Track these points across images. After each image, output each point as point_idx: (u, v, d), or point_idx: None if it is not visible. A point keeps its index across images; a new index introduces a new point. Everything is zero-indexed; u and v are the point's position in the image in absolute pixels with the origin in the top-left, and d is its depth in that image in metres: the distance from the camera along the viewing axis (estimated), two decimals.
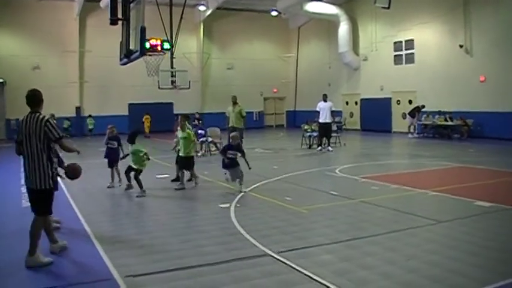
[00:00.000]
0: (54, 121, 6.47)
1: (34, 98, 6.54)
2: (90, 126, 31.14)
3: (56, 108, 30.12)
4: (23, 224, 8.64)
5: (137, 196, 10.73)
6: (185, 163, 11.79)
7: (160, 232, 7.89)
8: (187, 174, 12.10)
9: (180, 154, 11.86)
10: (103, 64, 30.64)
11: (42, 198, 6.46)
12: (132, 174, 11.19)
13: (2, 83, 30.34)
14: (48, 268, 6.19)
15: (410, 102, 27.79)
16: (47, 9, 31.24)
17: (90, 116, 31.53)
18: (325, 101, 20.08)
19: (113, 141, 12.16)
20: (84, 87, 32.62)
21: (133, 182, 11.16)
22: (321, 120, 19.78)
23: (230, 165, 11.06)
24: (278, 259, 6.19)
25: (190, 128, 13.16)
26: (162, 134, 27.91)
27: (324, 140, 19.96)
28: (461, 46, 24.39)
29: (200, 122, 23.28)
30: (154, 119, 31.05)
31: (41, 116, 6.38)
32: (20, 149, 6.53)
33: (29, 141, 6.34)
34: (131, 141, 11.27)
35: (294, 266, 5.90)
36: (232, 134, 11.78)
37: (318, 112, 19.91)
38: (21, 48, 31.07)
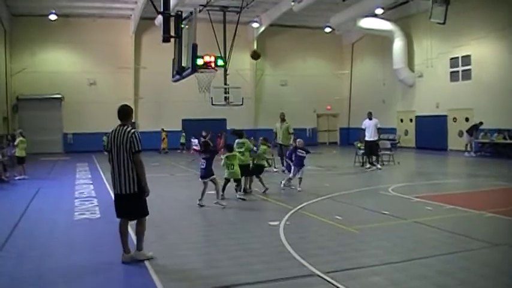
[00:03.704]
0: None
1: (123, 112, 7.25)
2: (182, 140, 31.66)
3: (111, 123, 30.89)
4: (73, 235, 8.87)
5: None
6: (257, 170, 13.78)
7: (208, 248, 7.95)
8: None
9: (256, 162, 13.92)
10: (157, 80, 31.24)
11: (133, 202, 7.05)
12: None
13: (60, 98, 31.38)
14: (92, 284, 6.27)
15: (467, 119, 27.11)
16: (103, 27, 32.30)
17: (182, 129, 32.51)
18: (370, 118, 19.88)
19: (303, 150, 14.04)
20: (139, 103, 33.36)
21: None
22: (366, 138, 19.65)
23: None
24: (326, 279, 6.08)
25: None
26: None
27: (372, 158, 19.70)
28: None
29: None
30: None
31: (128, 129, 7.04)
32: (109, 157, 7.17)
33: (118, 151, 6.98)
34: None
35: (341, 287, 5.77)
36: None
37: (364, 130, 19.75)
38: (79, 64, 32.26)
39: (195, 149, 22.79)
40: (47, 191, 14.55)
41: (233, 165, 12.34)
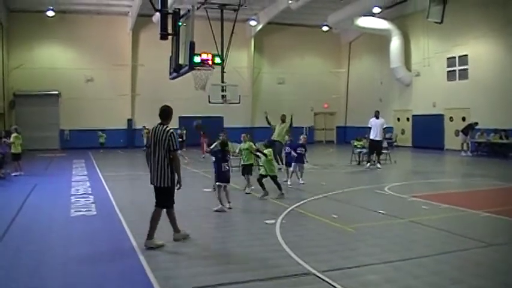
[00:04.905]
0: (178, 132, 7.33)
1: (164, 113, 8.02)
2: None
3: (108, 120, 30.93)
4: (70, 231, 8.89)
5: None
6: (246, 169, 13.29)
7: (204, 246, 7.93)
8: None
9: (242, 163, 13.61)
10: (155, 78, 31.00)
11: (163, 195, 7.78)
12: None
13: (57, 94, 31.33)
14: (89, 278, 6.28)
15: (463, 119, 27.13)
16: (101, 23, 32.26)
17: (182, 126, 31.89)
18: (377, 117, 19.79)
19: (302, 148, 14.80)
20: (136, 99, 33.30)
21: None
22: (372, 137, 19.52)
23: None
24: (322, 278, 6.10)
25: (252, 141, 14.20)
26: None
27: (374, 156, 19.65)
28: None
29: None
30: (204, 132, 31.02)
31: (167, 128, 7.78)
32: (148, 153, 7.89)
33: (156, 148, 7.71)
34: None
35: (337, 286, 5.79)
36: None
37: (370, 128, 19.68)
38: (76, 61, 32.16)
39: None
40: (44, 188, 14.54)
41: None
